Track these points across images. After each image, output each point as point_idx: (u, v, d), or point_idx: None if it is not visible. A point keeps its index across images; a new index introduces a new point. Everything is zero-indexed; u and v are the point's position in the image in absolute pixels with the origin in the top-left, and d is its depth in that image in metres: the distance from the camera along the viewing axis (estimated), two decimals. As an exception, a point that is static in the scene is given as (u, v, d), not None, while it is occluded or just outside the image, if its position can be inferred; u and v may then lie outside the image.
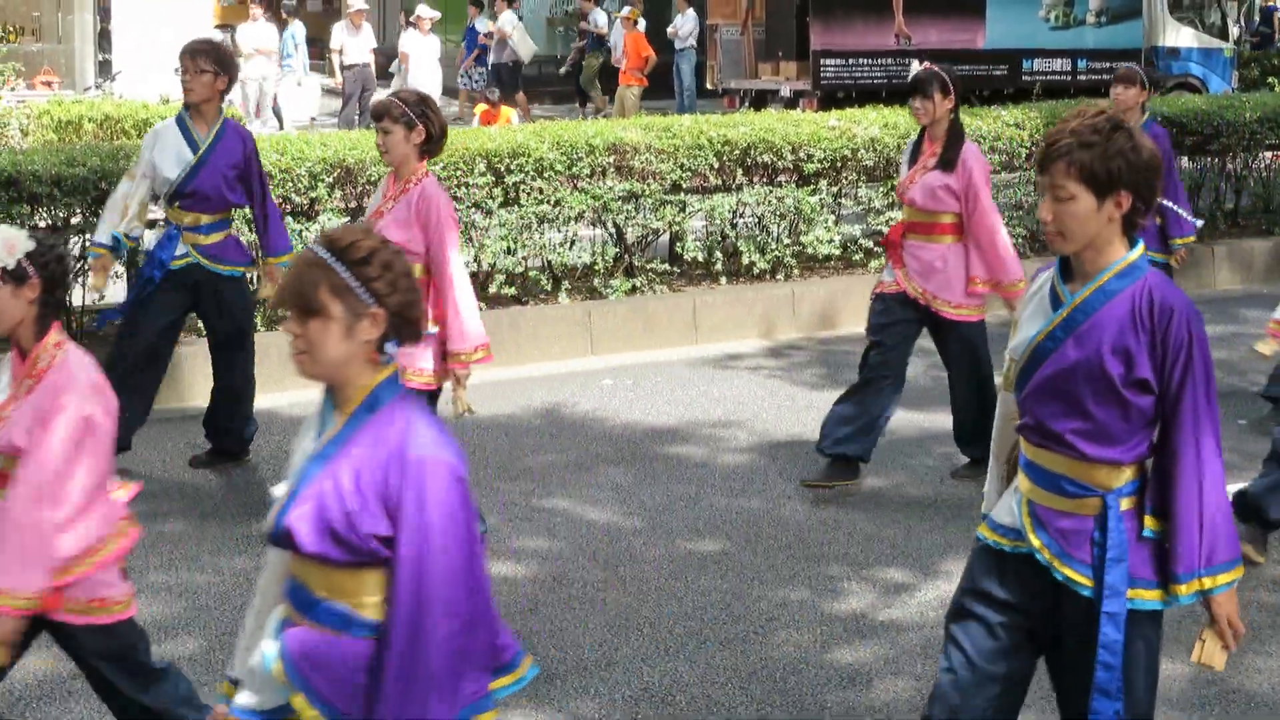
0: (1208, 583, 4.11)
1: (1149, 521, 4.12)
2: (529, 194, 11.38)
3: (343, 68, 23.51)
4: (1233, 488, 7.47)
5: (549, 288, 11.65)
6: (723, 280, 12.37)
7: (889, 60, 23.48)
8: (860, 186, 12.91)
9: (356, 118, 23.07)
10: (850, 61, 23.65)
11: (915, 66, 8.23)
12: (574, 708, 5.90)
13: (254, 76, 22.97)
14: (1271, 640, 6.54)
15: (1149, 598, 4.15)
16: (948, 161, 8.03)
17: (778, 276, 12.46)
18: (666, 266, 12.25)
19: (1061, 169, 3.99)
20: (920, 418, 9.77)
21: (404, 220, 6.66)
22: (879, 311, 8.32)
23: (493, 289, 11.31)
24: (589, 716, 5.83)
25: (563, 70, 28.47)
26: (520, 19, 26.37)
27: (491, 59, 26.08)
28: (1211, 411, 4.05)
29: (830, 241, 12.55)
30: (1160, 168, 4.06)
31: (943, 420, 9.72)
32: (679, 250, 12.39)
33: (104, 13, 25.65)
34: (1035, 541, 4.21)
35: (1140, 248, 4.08)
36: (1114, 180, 3.96)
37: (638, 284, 11.96)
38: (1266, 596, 7.01)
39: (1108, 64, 25.79)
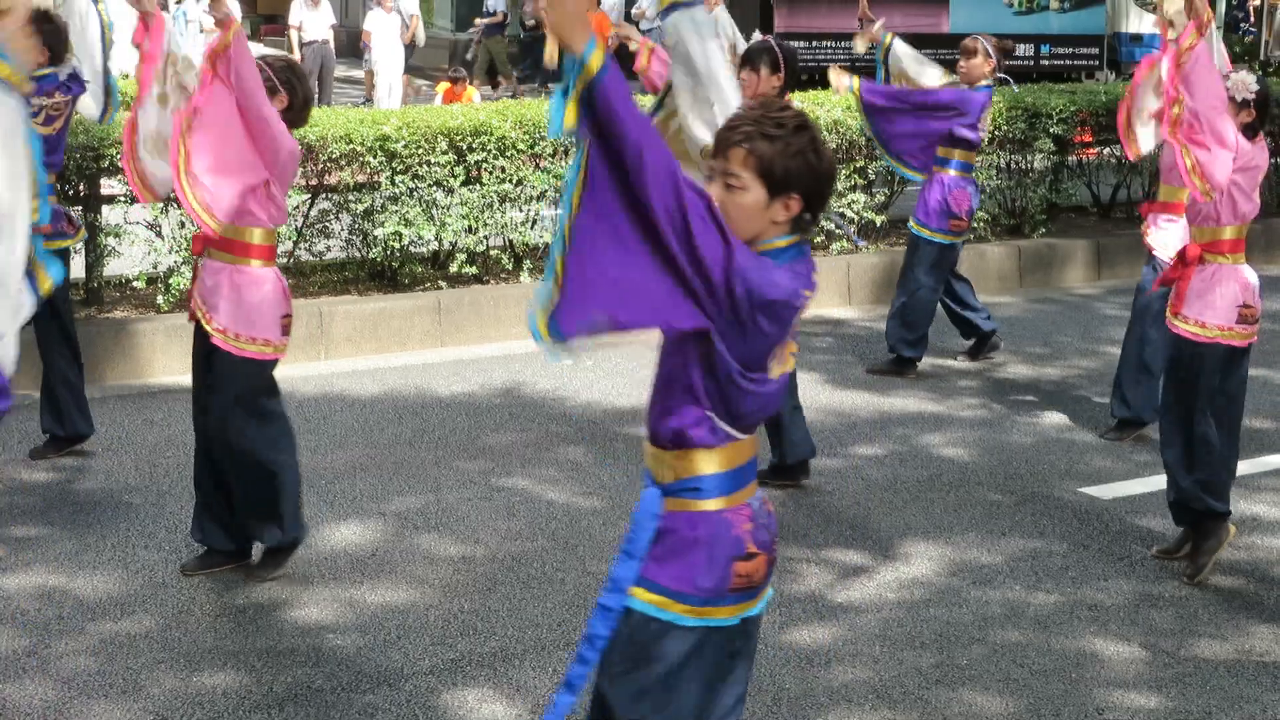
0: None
1: None
2: (491, 173, 11.34)
3: (301, 44, 23.33)
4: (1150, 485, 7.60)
5: (510, 267, 11.62)
6: (684, 261, 12.33)
7: (853, 43, 23.47)
8: (823, 169, 12.88)
9: (316, 95, 22.94)
10: (814, 44, 23.66)
11: (756, 36, 8.08)
12: (532, 687, 5.88)
13: (213, 52, 22.79)
14: (1227, 623, 6.57)
15: (646, 599, 3.77)
16: None
17: (739, 258, 12.43)
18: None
19: (739, 156, 3.71)
20: (879, 400, 9.79)
21: None
22: None
23: (454, 268, 11.28)
24: (547, 696, 5.81)
25: (469, 56, 28.36)
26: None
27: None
28: None
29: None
30: (831, 186, 3.85)
31: (901, 403, 9.75)
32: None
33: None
34: None
35: (787, 240, 3.78)
36: (789, 179, 3.71)
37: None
38: (1222, 580, 7.03)
39: (1071, 49, 25.88)
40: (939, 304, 10.54)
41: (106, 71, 8.43)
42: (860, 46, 10.61)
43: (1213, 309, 6.93)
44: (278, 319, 6.68)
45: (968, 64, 10.21)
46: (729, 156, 3.71)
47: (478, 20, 28.13)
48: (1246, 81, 6.90)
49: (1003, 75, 10.55)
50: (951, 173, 10.19)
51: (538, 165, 11.49)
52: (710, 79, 6.75)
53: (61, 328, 8.29)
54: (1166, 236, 8.76)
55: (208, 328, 6.60)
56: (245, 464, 6.72)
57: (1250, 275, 7.02)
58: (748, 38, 10.47)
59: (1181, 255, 7.11)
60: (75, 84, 8.09)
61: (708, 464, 3.78)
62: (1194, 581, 6.97)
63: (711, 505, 3.78)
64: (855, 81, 9.93)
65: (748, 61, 7.87)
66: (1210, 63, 6.87)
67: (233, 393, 6.66)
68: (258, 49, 26.74)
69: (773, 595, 4.05)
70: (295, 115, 6.62)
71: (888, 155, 10.36)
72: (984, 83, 10.19)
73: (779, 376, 3.78)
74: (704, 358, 3.69)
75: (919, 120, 10.09)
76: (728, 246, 3.54)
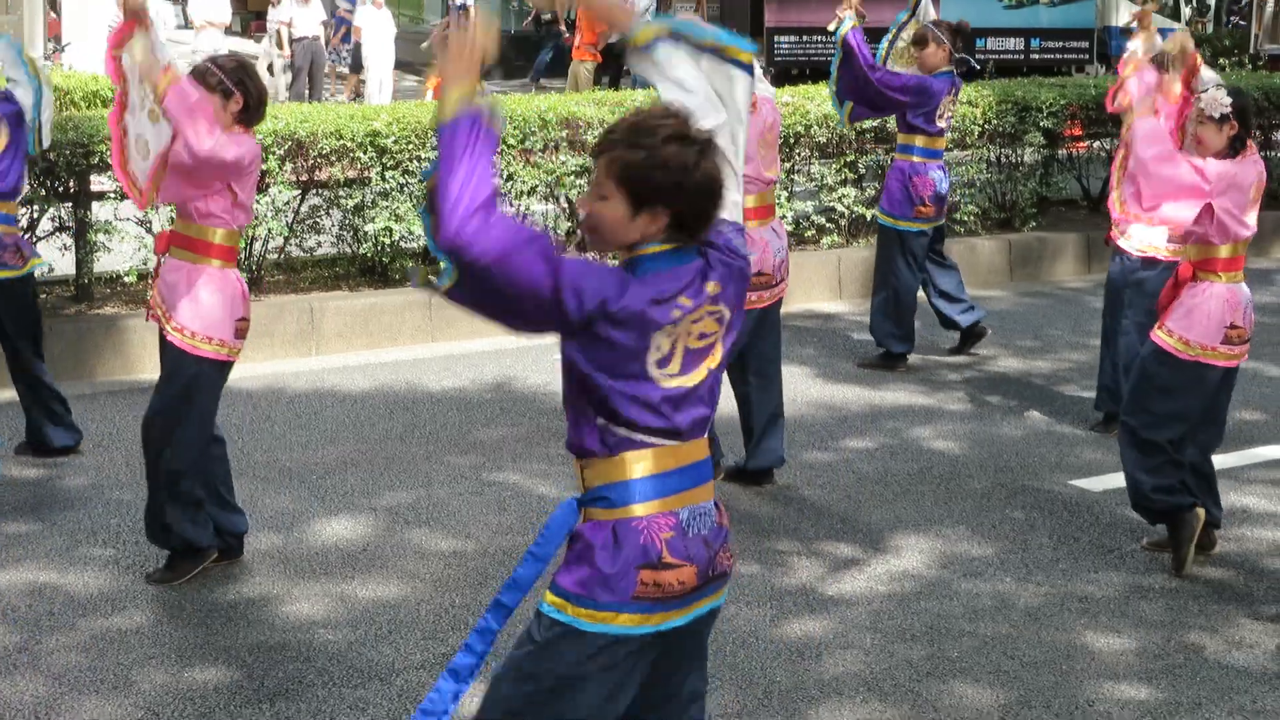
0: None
1: None
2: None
3: (291, 41, 23.30)
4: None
5: (501, 262, 11.59)
6: (675, 256, 12.32)
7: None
8: (813, 163, 12.92)
9: (306, 92, 22.92)
10: (804, 38, 23.68)
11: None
12: (523, 681, 5.87)
13: (204, 49, 22.77)
14: (1217, 615, 6.58)
15: (549, 601, 3.78)
16: None
17: (730, 252, 12.42)
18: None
19: (603, 165, 3.62)
20: (869, 393, 9.80)
21: None
22: None
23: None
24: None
25: (424, 45, 28.16)
26: None
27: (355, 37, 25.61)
28: None
29: (782, 218, 12.53)
30: (712, 201, 3.67)
31: (891, 396, 9.76)
32: None
33: (54, -16, 25.42)
34: None
35: (658, 246, 3.69)
36: (654, 192, 3.59)
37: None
38: (1211, 571, 7.05)
39: (1061, 43, 25.91)
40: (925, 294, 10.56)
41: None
42: (845, 25, 10.60)
43: (1198, 327, 6.88)
44: (233, 321, 6.62)
45: (921, 54, 10.19)
46: (597, 166, 3.66)
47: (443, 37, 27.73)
48: (1218, 98, 6.80)
49: (962, 56, 10.46)
50: (915, 159, 10.17)
51: (528, 160, 11.49)
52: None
53: (37, 368, 8.29)
54: (1132, 228, 8.78)
55: (165, 326, 6.60)
56: (157, 465, 6.62)
57: (1242, 294, 6.94)
58: (736, 29, 10.44)
59: (1175, 274, 7.08)
60: (5, 103, 8.08)
61: (616, 472, 3.74)
62: (1180, 574, 6.98)
63: (622, 513, 3.73)
64: (847, 28, 9.85)
65: None
66: (1148, 126, 6.85)
67: (173, 389, 6.60)
68: (248, 45, 26.58)
69: (715, 608, 3.93)
70: (251, 114, 6.56)
71: (833, 88, 10.18)
72: (943, 69, 10.16)
73: (675, 386, 3.72)
74: (571, 365, 3.69)
75: (875, 93, 10.01)
76: (550, 265, 3.56)
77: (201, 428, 6.69)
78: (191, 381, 6.59)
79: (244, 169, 6.48)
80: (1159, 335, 6.96)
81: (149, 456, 6.68)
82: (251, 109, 6.56)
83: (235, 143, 6.42)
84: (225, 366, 6.70)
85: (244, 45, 30.15)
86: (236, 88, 6.49)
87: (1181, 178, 6.70)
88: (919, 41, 10.20)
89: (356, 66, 24.69)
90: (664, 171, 3.58)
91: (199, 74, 6.51)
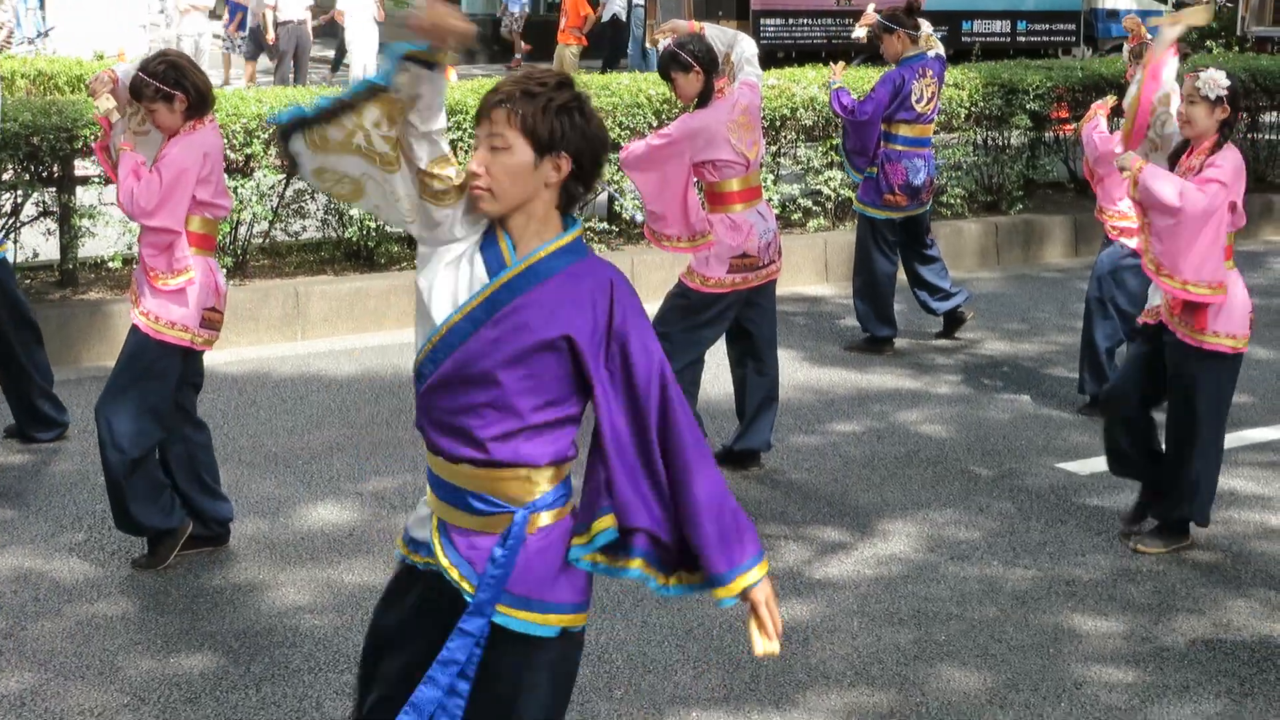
0: (742, 582, 3.85)
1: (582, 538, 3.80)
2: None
3: (277, 25, 23.17)
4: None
5: (487, 246, 11.57)
6: (661, 239, 12.31)
7: (829, 20, 23.45)
8: (799, 146, 12.90)
9: (292, 76, 22.81)
10: (790, 21, 23.64)
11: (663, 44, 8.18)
12: (510, 666, 5.86)
13: (189, 33, 22.64)
14: (1204, 598, 6.59)
15: (574, 621, 3.76)
16: None
17: (716, 236, 12.41)
18: (605, 225, 12.20)
19: (501, 116, 3.56)
20: (857, 377, 9.79)
21: None
22: None
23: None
24: (525, 675, 5.80)
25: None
26: None
27: (251, 23, 25.08)
28: (667, 398, 3.87)
29: (769, 201, 12.50)
30: (604, 150, 3.68)
31: (879, 380, 9.75)
32: (617, 209, 12.35)
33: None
34: (444, 561, 3.73)
35: (578, 230, 3.70)
36: (555, 139, 3.56)
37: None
38: (1199, 555, 7.05)
39: (1047, 26, 25.89)
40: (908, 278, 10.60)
41: None
42: (860, 33, 10.59)
43: (1237, 318, 6.84)
44: (200, 310, 6.58)
45: (885, 48, 10.27)
46: (492, 118, 3.59)
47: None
48: (1217, 79, 6.76)
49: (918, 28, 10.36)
50: (898, 148, 10.19)
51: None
52: None
53: (26, 357, 8.26)
54: (1126, 205, 8.73)
55: (134, 310, 6.58)
56: (106, 448, 6.56)
57: (1236, 287, 6.92)
58: (725, 17, 10.45)
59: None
60: None
61: (561, 474, 3.90)
62: (1123, 532, 7.13)
63: (570, 507, 3.88)
64: (826, 93, 10.05)
65: (664, 76, 7.83)
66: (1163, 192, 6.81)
67: (128, 376, 6.56)
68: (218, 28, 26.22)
69: None
70: (197, 106, 6.52)
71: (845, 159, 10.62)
72: (910, 54, 10.17)
73: None
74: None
75: (863, 129, 10.13)
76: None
77: (158, 416, 6.62)
78: (148, 368, 6.55)
79: (196, 181, 6.51)
80: (1211, 341, 6.84)
81: (103, 446, 6.58)
82: (194, 102, 6.50)
83: (175, 166, 6.46)
84: (190, 355, 6.66)
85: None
86: (175, 89, 6.43)
87: (1203, 221, 6.71)
88: (877, 37, 10.30)
89: (254, 54, 24.28)
90: (564, 115, 3.58)
91: (135, 92, 6.48)
